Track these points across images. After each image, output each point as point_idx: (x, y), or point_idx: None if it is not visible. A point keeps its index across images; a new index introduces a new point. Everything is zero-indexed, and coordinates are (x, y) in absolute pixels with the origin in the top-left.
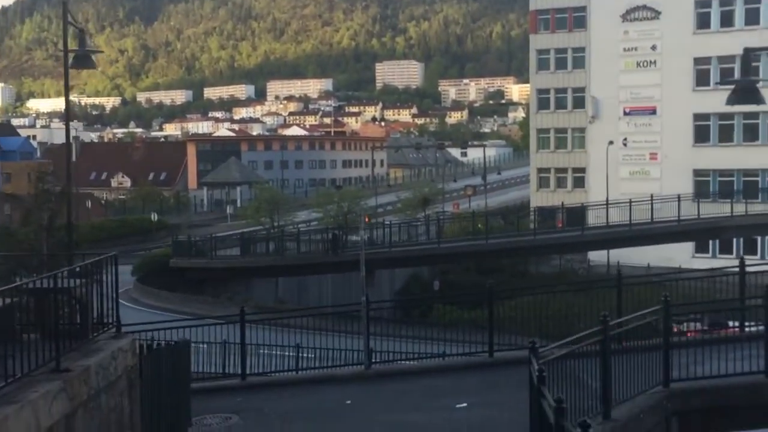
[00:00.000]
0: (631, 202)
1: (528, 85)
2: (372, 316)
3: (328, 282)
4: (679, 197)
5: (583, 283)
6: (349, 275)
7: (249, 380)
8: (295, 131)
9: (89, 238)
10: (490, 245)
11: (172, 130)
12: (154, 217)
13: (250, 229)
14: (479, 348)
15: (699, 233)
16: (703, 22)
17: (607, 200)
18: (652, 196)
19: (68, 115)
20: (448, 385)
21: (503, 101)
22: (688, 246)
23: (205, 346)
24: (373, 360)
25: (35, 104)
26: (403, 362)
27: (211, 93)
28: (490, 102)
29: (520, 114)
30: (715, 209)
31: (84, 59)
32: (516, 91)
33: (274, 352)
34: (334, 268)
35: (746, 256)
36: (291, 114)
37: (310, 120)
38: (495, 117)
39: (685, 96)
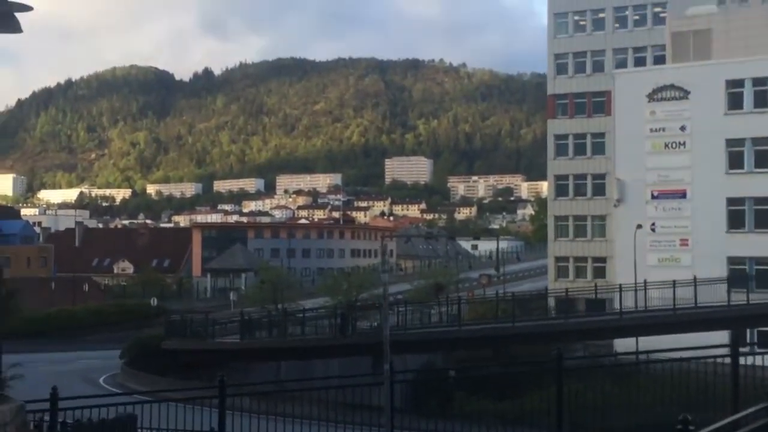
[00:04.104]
0: (675, 283)
1: (536, 182)
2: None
3: (334, 368)
4: (728, 279)
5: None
6: (358, 361)
7: None
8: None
9: (84, 321)
10: (517, 328)
11: (181, 222)
12: (154, 302)
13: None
14: None
15: (756, 319)
16: (735, 103)
17: (645, 282)
18: (695, 278)
19: None
20: None
21: (512, 198)
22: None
23: None
24: None
25: (46, 195)
26: None
27: (221, 186)
28: (499, 199)
29: (529, 211)
30: (755, 298)
31: (3, 18)
32: (525, 188)
33: None
34: (342, 351)
35: None
36: (300, 208)
37: (319, 214)
38: (504, 213)
39: (718, 179)
